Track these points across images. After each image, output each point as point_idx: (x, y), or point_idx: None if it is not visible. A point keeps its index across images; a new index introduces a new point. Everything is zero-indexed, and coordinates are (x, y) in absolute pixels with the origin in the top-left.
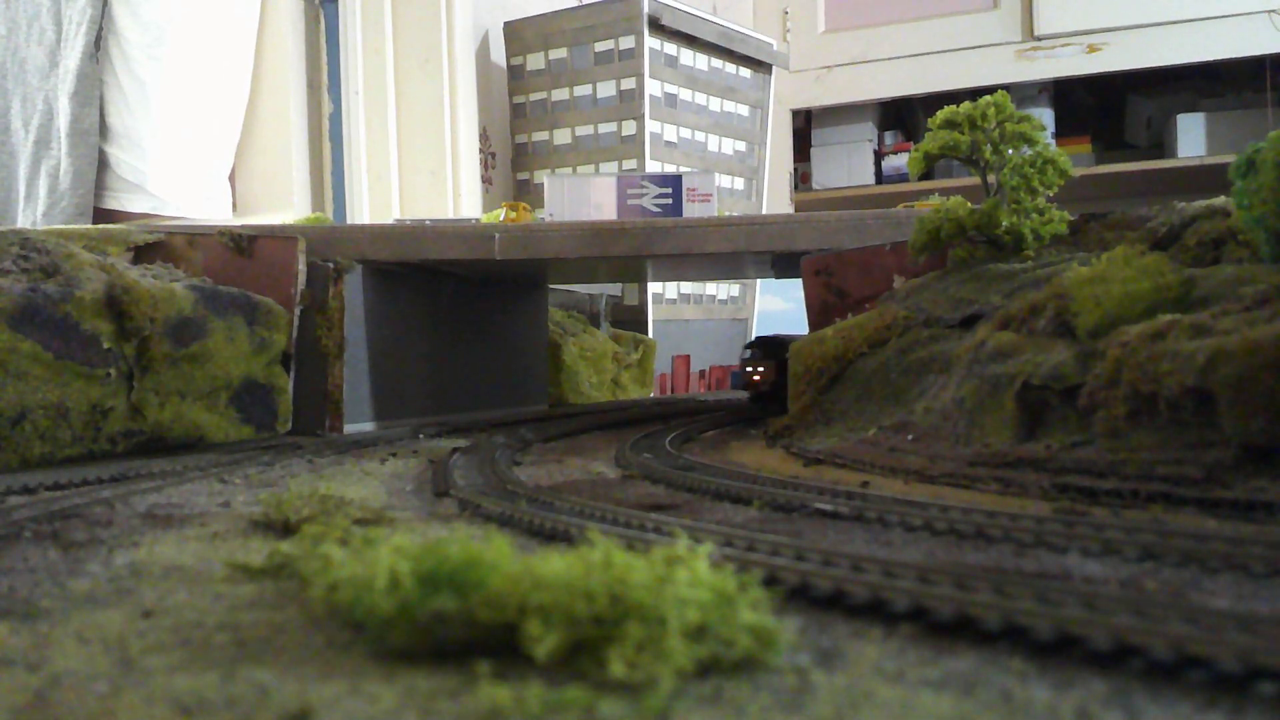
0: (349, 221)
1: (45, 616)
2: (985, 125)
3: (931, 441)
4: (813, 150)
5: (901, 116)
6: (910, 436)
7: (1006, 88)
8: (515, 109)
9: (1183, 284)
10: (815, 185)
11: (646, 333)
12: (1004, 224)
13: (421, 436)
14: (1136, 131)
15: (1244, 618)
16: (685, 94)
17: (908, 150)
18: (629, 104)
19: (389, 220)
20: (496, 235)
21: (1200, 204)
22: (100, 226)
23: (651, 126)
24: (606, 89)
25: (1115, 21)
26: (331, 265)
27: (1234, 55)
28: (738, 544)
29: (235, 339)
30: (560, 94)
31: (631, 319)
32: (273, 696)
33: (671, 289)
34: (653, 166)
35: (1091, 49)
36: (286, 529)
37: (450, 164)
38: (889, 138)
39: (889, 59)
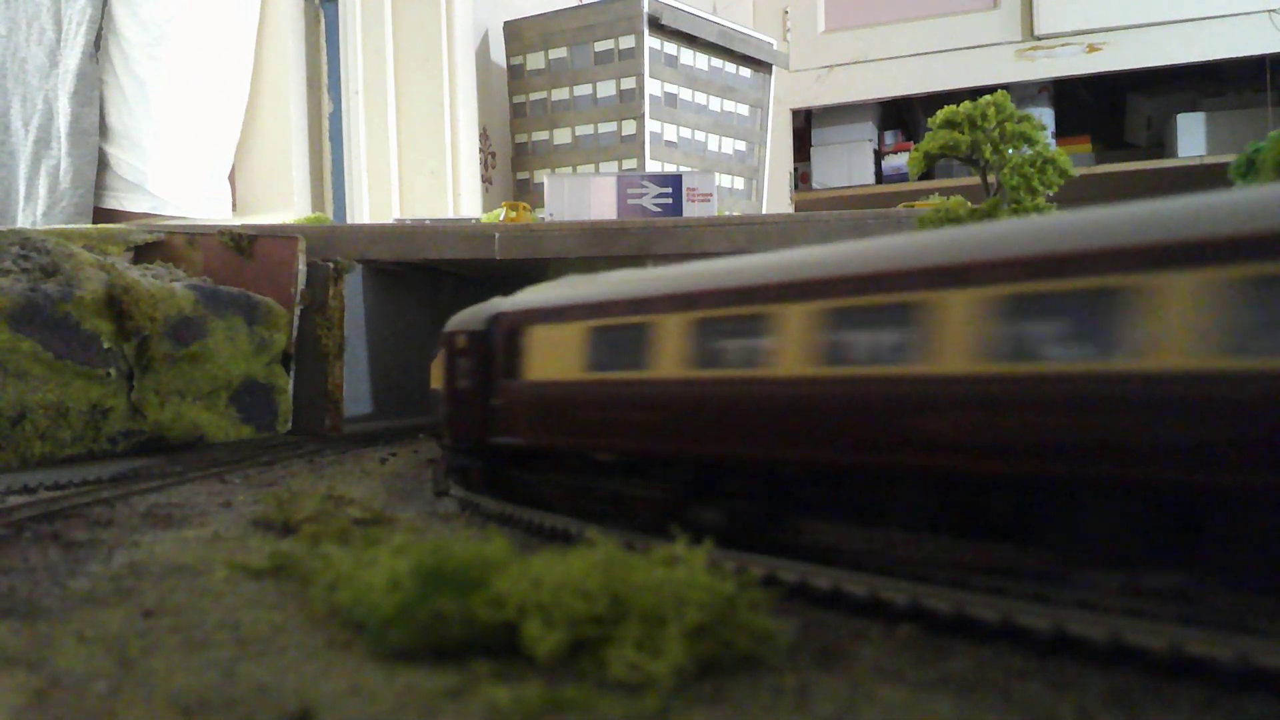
0: (349, 221)
1: (45, 616)
2: (985, 125)
3: None
4: (813, 150)
5: (901, 116)
6: None
7: (1006, 87)
8: (515, 109)
9: None
10: (815, 185)
11: None
12: None
13: (422, 436)
14: (1136, 131)
15: None
16: (685, 94)
17: (908, 150)
18: (629, 104)
19: (389, 220)
20: (496, 235)
21: None
22: (100, 226)
23: (651, 126)
24: (606, 89)
25: (1115, 21)
26: (331, 265)
27: (1234, 55)
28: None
29: (235, 339)
30: (560, 94)
31: None
32: (273, 696)
33: None
34: (653, 166)
35: (1091, 49)
36: (287, 529)
37: (450, 164)
38: (889, 138)
39: (889, 59)
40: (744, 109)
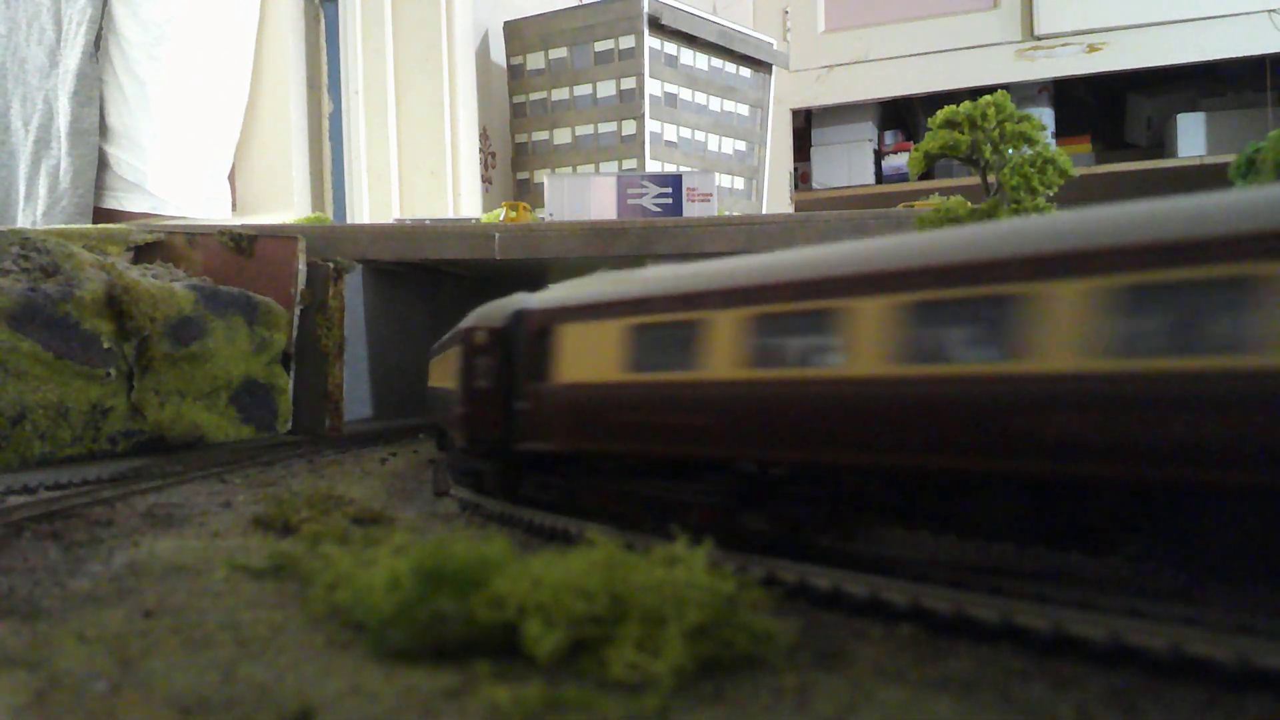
0: (349, 221)
1: (45, 616)
2: (985, 125)
3: None
4: (813, 150)
5: (901, 116)
6: None
7: (1006, 87)
8: (515, 109)
9: None
10: (815, 185)
11: None
12: None
13: (422, 436)
14: (1136, 131)
15: None
16: (685, 94)
17: (908, 150)
18: (629, 104)
19: (389, 220)
20: (496, 235)
21: None
22: (100, 226)
23: (651, 126)
24: (606, 89)
25: (1115, 21)
26: (331, 265)
27: (1234, 55)
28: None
29: (235, 339)
30: (560, 94)
31: None
32: (273, 696)
33: None
34: (653, 166)
35: (1091, 49)
36: (286, 529)
37: (450, 164)
38: (889, 138)
39: (889, 59)
40: (744, 109)
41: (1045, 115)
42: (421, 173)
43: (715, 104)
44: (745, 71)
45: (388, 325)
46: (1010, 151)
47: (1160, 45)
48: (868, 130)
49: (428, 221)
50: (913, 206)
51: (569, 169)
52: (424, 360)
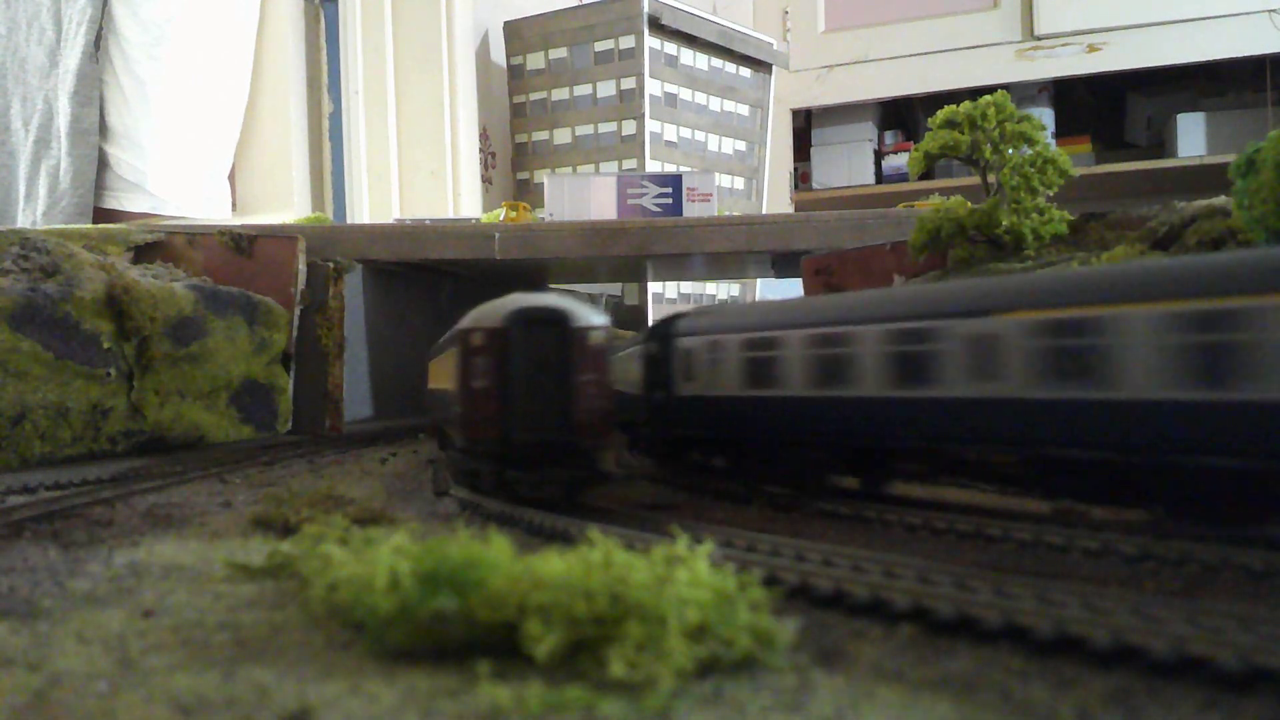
0: (349, 221)
1: (45, 616)
2: (985, 125)
3: None
4: (813, 150)
5: (901, 116)
6: None
7: (1006, 87)
8: (515, 109)
9: None
10: (815, 185)
11: None
12: (1004, 224)
13: (422, 436)
14: (1136, 131)
15: None
16: (685, 94)
17: (908, 150)
18: (629, 104)
19: (389, 220)
20: (496, 235)
21: (1200, 203)
22: (100, 226)
23: (651, 126)
24: (606, 89)
25: (1115, 21)
26: (331, 265)
27: (1234, 55)
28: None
29: (235, 339)
30: (560, 94)
31: (631, 319)
32: (273, 696)
33: (671, 289)
34: (653, 166)
35: (1091, 49)
36: (286, 529)
37: (450, 164)
38: (889, 137)
39: (889, 59)
40: (744, 109)
41: (1045, 115)
42: (421, 173)
43: (715, 104)
44: (745, 71)
45: (388, 325)
46: (1010, 151)
47: (1160, 45)
48: (868, 130)
49: (428, 221)
50: (913, 206)
51: (569, 169)
52: (424, 360)
